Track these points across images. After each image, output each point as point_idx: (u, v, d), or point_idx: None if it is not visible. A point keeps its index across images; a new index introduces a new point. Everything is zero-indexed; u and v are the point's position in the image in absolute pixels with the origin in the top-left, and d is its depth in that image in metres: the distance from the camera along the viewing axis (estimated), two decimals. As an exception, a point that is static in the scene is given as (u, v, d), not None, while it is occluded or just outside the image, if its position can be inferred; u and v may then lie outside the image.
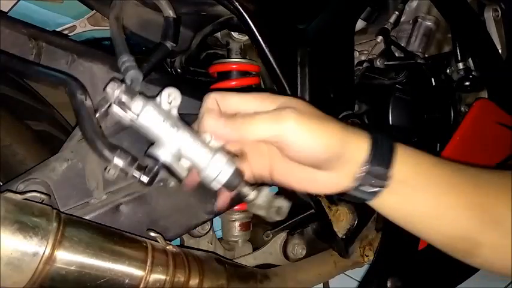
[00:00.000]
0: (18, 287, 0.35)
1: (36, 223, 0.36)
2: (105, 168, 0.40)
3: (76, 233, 0.38)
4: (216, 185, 0.39)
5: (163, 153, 0.38)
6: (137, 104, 0.38)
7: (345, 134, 0.38)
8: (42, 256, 0.35)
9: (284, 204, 0.41)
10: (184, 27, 0.56)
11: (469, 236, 0.39)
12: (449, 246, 0.40)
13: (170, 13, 0.51)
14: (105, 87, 0.38)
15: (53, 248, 0.36)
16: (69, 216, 0.39)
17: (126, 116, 0.38)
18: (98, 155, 0.40)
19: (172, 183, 0.43)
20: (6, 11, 0.54)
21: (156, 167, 0.39)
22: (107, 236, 0.40)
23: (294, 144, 0.37)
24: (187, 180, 0.41)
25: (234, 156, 0.40)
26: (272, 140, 0.37)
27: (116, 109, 0.38)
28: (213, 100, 0.39)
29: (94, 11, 0.61)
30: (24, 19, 0.50)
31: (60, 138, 0.54)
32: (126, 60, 0.43)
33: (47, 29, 0.53)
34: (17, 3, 0.53)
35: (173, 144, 0.38)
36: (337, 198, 0.58)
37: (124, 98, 0.38)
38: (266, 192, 0.40)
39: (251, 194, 0.40)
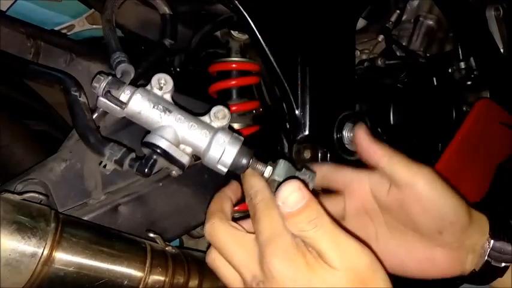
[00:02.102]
0: (16, 288, 0.35)
1: (34, 224, 0.35)
2: (100, 163, 0.39)
3: (74, 234, 0.37)
4: (222, 168, 0.36)
5: (159, 140, 0.36)
6: (125, 93, 0.36)
7: (469, 206, 0.38)
8: (41, 257, 0.35)
9: (307, 174, 0.36)
10: (184, 26, 0.56)
11: None
12: None
13: (166, 10, 0.50)
14: (92, 82, 0.37)
15: (51, 249, 0.35)
16: (68, 216, 0.39)
17: (114, 106, 0.36)
18: (91, 149, 0.39)
19: (174, 172, 0.38)
20: (4, 10, 0.53)
21: (154, 155, 0.36)
22: (106, 237, 0.39)
23: (426, 196, 0.35)
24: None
25: (240, 134, 0.37)
26: (404, 182, 0.36)
27: (103, 101, 0.36)
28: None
29: (92, 9, 0.60)
30: (23, 18, 0.49)
31: (59, 138, 0.54)
32: (117, 56, 0.42)
33: (45, 28, 0.53)
34: (15, 2, 0.53)
35: (168, 129, 0.36)
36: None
37: (111, 88, 0.36)
38: (283, 165, 0.36)
39: (266, 170, 0.36)
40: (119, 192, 0.45)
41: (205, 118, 0.38)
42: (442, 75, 0.73)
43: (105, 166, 0.39)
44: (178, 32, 0.53)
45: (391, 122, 0.66)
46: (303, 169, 0.36)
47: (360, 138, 0.38)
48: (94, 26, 0.61)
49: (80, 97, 0.40)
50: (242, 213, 0.66)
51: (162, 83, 0.37)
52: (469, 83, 0.74)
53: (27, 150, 0.50)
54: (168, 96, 0.38)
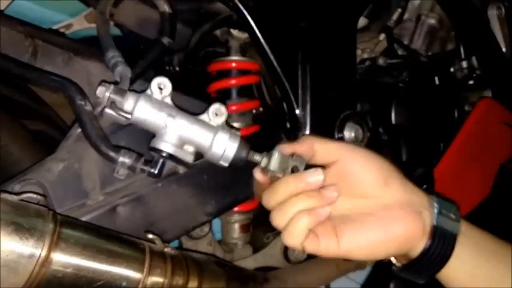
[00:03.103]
0: (14, 290, 0.35)
1: (32, 224, 0.35)
2: (114, 170, 0.42)
3: (72, 235, 0.37)
4: (224, 163, 0.40)
5: (165, 145, 0.39)
6: (129, 101, 0.39)
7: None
8: (39, 258, 0.35)
9: (299, 161, 0.39)
10: (183, 25, 0.56)
11: None
12: None
13: (166, 8, 0.51)
14: (96, 92, 0.39)
15: (49, 250, 0.35)
16: (66, 217, 0.39)
17: (120, 116, 0.39)
18: (104, 157, 0.41)
19: (180, 170, 0.44)
20: (2, 9, 0.53)
21: (161, 159, 0.40)
22: (104, 237, 0.39)
23: (360, 153, 0.39)
24: (260, 179, 0.41)
25: (237, 129, 0.41)
26: (336, 155, 0.39)
27: (109, 112, 0.39)
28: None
29: (91, 8, 0.60)
30: (21, 17, 0.49)
31: (57, 138, 0.53)
32: (112, 56, 0.44)
33: (44, 27, 0.52)
34: (13, 0, 0.53)
35: (173, 133, 0.39)
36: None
37: (115, 98, 0.39)
38: (277, 154, 0.39)
39: (263, 160, 0.40)
40: (117, 193, 0.45)
41: (204, 117, 0.41)
42: (444, 75, 0.73)
43: (118, 172, 0.42)
44: (177, 31, 0.53)
45: (393, 121, 0.65)
46: (294, 156, 0.40)
47: (288, 149, 0.40)
48: (93, 24, 0.61)
49: (85, 106, 0.41)
50: (242, 213, 0.66)
51: (162, 87, 0.40)
52: (471, 82, 0.74)
53: (25, 150, 0.50)
54: (168, 100, 0.40)
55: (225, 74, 0.60)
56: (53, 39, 0.49)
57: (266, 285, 0.58)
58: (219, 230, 0.68)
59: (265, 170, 0.40)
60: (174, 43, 0.50)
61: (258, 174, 0.41)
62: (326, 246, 0.38)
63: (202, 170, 0.50)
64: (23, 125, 0.51)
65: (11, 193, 0.37)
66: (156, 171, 0.40)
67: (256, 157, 0.40)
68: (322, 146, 0.40)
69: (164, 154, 0.39)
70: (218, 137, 0.39)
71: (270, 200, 0.39)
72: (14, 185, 0.40)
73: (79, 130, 0.44)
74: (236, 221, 0.66)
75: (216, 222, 0.67)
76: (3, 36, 0.46)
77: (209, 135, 0.39)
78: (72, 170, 0.43)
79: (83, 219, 0.42)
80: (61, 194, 0.42)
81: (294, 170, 0.39)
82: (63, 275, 0.36)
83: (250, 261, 0.65)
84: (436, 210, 0.39)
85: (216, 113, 0.40)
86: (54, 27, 0.60)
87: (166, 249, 0.43)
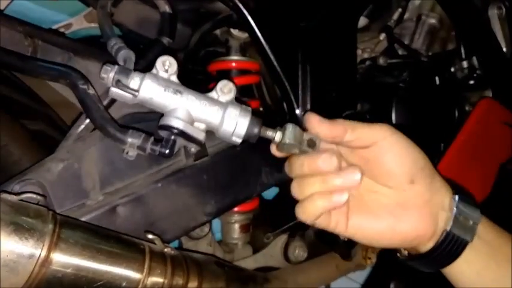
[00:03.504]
0: (14, 290, 0.35)
1: (32, 225, 0.35)
2: (123, 151, 0.40)
3: (72, 235, 0.37)
4: (236, 140, 0.39)
5: (175, 121, 0.38)
6: (135, 80, 0.38)
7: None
8: (38, 258, 0.35)
9: (314, 135, 0.38)
10: (183, 25, 0.56)
11: None
12: None
13: (166, 8, 0.51)
14: (100, 74, 0.38)
15: (49, 250, 0.35)
16: (65, 217, 0.39)
17: (126, 95, 0.38)
18: (112, 139, 0.40)
19: (192, 149, 0.42)
20: (2, 8, 0.53)
21: (172, 136, 0.38)
22: (104, 238, 0.39)
23: (396, 142, 0.38)
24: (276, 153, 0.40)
25: (247, 104, 0.40)
26: (372, 140, 0.37)
27: (115, 91, 0.37)
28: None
29: (90, 7, 0.60)
30: (20, 17, 0.49)
31: (56, 138, 0.53)
32: (115, 43, 0.43)
33: (43, 26, 0.52)
34: (13, 0, 0.53)
35: (181, 110, 0.38)
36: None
37: (120, 77, 0.37)
38: (291, 128, 0.38)
39: (277, 135, 0.38)
40: (117, 193, 0.45)
41: (213, 94, 0.40)
42: (444, 75, 0.73)
43: (127, 153, 0.41)
44: (177, 31, 0.53)
45: (393, 121, 0.65)
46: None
47: (314, 122, 0.38)
48: (92, 24, 0.61)
49: (88, 90, 0.40)
50: (242, 213, 0.66)
51: (167, 65, 0.39)
52: (471, 82, 0.73)
53: (25, 150, 0.50)
54: (174, 78, 0.39)
55: (225, 73, 0.60)
56: (53, 39, 0.49)
57: (266, 286, 0.58)
58: (219, 230, 0.68)
59: (280, 145, 0.38)
60: (174, 43, 0.50)
61: (273, 150, 0.40)
62: (336, 223, 0.38)
63: (202, 170, 0.50)
64: (23, 125, 0.51)
65: (10, 193, 0.37)
66: (167, 151, 0.38)
67: (269, 132, 0.38)
68: (360, 131, 0.38)
69: (175, 131, 0.37)
70: (228, 112, 0.38)
71: (289, 173, 0.39)
72: (13, 185, 0.40)
73: (79, 130, 0.44)
74: (236, 221, 0.66)
75: (216, 222, 0.67)
76: (3, 36, 0.46)
77: (219, 111, 0.38)
78: (71, 170, 0.43)
79: (83, 219, 0.42)
80: (61, 194, 0.42)
81: (311, 144, 0.38)
82: (63, 275, 0.36)
83: (250, 262, 0.65)
84: (453, 215, 0.39)
85: (225, 90, 0.39)
86: (54, 27, 0.60)
87: (166, 250, 0.43)
